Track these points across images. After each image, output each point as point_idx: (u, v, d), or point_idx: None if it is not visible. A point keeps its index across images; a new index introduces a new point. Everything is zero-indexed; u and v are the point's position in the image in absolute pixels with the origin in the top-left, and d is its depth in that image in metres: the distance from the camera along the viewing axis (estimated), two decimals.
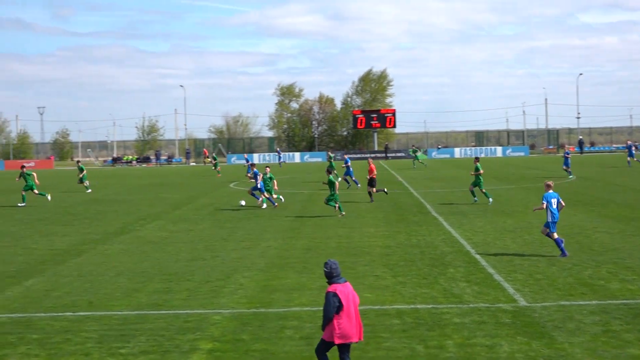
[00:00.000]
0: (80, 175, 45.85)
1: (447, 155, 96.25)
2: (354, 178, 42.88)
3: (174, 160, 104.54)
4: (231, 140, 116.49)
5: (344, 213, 28.43)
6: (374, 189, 33.87)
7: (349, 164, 43.63)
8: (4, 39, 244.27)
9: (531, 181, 44.78)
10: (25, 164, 41.38)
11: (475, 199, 31.87)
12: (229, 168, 78.56)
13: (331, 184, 28.54)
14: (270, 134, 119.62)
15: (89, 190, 45.08)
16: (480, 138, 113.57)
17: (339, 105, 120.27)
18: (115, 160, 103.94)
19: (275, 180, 33.08)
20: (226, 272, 17.77)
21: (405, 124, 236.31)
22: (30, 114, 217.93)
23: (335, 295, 9.14)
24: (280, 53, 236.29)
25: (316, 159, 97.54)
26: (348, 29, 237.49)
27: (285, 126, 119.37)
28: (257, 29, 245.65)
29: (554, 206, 18.40)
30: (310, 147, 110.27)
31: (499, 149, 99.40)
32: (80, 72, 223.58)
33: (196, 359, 11.17)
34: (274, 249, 21.21)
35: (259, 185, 32.52)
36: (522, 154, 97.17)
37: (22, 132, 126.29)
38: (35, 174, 37.24)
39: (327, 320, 9.20)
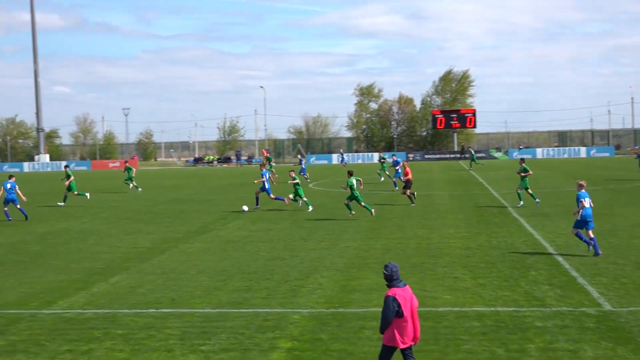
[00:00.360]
0: (132, 175, 47.25)
1: (529, 156, 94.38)
2: (395, 179, 43.04)
3: (254, 160, 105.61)
4: (310, 140, 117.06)
5: (353, 213, 28.64)
6: (408, 191, 33.66)
7: (400, 165, 43.77)
8: (92, 42, 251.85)
9: (617, 183, 43.54)
10: (68, 164, 42.97)
11: (521, 202, 30.97)
12: (308, 169, 78.85)
13: (350, 186, 28.46)
14: (349, 134, 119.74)
15: (132, 186, 47.14)
16: (563, 138, 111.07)
17: (418, 105, 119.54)
18: (197, 161, 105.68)
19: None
20: (305, 271, 17.87)
21: (485, 124, 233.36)
22: (115, 115, 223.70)
23: (394, 299, 9.11)
24: (359, 53, 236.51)
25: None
26: (427, 29, 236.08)
27: (364, 126, 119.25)
28: (337, 30, 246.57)
29: (587, 205, 18.95)
30: (389, 147, 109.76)
31: (583, 150, 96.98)
32: (164, 74, 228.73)
33: (275, 357, 11.27)
34: (353, 249, 21.22)
35: (266, 186, 33.04)
36: (606, 154, 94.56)
37: (107, 133, 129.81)
38: (72, 177, 38.55)
39: (386, 324, 9.17)
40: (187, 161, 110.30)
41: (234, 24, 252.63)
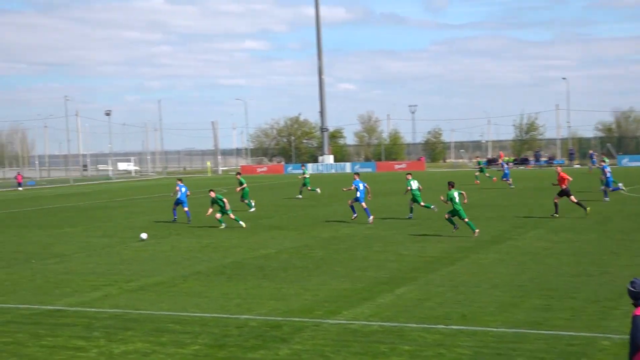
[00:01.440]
0: (303, 177, 49.52)
1: None
2: (612, 187, 40.15)
3: (555, 162, 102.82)
4: (622, 139, 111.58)
5: (457, 227, 27.59)
6: (574, 199, 32.05)
7: (608, 169, 40.49)
8: (377, 35, 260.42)
9: None
10: (240, 171, 46.12)
11: None
12: (619, 170, 75.26)
13: (451, 199, 27.28)
14: None
15: (318, 190, 49.50)
16: None
17: None
18: (490, 162, 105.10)
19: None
20: (617, 291, 17.01)
21: None
22: (401, 112, 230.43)
23: None
24: None
25: None
26: None
27: None
28: None
29: None
30: None
31: None
32: (454, 67, 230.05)
33: None
34: None
35: (357, 195, 33.25)
36: None
37: (393, 132, 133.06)
38: (245, 184, 41.43)
39: (635, 348, 8.33)
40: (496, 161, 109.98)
41: (533, 8, 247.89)
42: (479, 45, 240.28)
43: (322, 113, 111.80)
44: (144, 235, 29.38)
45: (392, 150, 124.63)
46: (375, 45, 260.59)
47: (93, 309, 17.04)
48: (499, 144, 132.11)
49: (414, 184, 34.11)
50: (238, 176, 42.54)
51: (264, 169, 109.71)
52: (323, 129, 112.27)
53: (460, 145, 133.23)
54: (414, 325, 14.60)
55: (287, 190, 50.40)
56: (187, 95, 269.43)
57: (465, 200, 28.04)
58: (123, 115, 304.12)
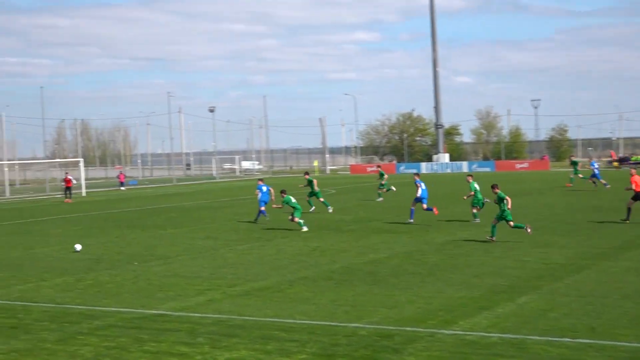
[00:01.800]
0: (383, 182, 49.42)
1: None
2: None
3: None
4: None
5: (527, 230, 27.19)
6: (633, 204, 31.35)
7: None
8: (496, 24, 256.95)
9: None
10: (309, 171, 47.13)
11: None
12: None
13: (500, 200, 27.08)
14: None
15: (385, 191, 49.49)
16: None
17: None
18: (621, 161, 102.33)
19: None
20: None
21: None
22: (523, 107, 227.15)
23: None
24: None
25: None
26: None
27: None
28: None
29: None
30: None
31: None
32: (582, 58, 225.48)
33: None
34: None
35: (418, 195, 34.62)
36: None
37: (514, 129, 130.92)
38: (315, 181, 42.81)
39: None
40: (608, 161, 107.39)
41: None
42: (609, 34, 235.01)
43: (436, 108, 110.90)
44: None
45: (512, 148, 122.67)
46: (494, 34, 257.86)
47: (197, 314, 17.40)
48: (631, 142, 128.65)
49: (477, 186, 33.94)
50: (306, 176, 43.80)
51: (375, 168, 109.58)
52: (438, 126, 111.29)
53: (588, 143, 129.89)
54: (537, 337, 14.36)
55: (398, 190, 50.20)
56: (293, 91, 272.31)
57: (509, 206, 27.37)
58: (226, 112, 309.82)
